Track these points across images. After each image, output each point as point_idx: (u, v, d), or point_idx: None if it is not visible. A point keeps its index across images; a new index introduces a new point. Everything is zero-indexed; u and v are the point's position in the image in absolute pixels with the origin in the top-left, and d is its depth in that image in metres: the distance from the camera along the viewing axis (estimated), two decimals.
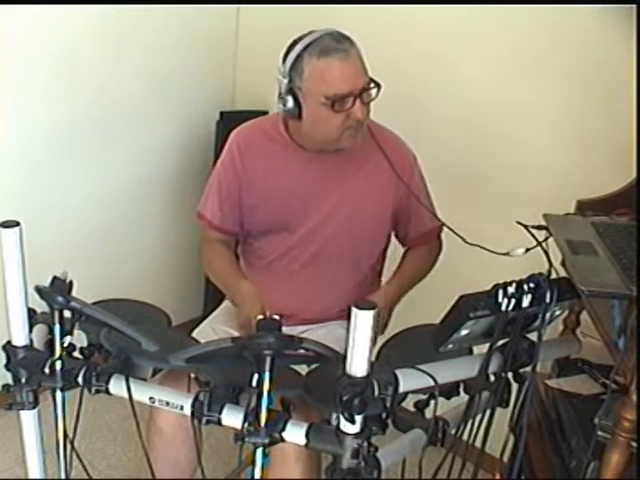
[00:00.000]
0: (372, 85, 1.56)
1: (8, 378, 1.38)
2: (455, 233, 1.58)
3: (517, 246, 1.43)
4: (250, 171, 1.73)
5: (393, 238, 1.86)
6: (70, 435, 1.40)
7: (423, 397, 1.44)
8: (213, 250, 1.81)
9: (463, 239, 1.55)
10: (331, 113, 1.54)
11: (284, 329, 1.18)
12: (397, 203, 1.75)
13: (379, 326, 1.65)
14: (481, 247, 1.49)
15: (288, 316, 1.71)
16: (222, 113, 2.51)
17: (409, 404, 1.44)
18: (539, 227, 1.43)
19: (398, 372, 1.25)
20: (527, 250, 1.40)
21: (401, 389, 1.25)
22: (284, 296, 1.75)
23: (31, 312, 1.34)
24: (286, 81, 1.56)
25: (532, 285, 1.26)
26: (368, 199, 1.72)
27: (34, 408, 1.39)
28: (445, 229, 1.74)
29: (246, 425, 1.20)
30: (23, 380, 1.35)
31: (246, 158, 1.73)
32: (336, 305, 1.77)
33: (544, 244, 1.38)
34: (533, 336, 1.34)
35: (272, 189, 1.72)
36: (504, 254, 1.44)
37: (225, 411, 1.27)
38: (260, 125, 1.77)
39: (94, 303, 1.35)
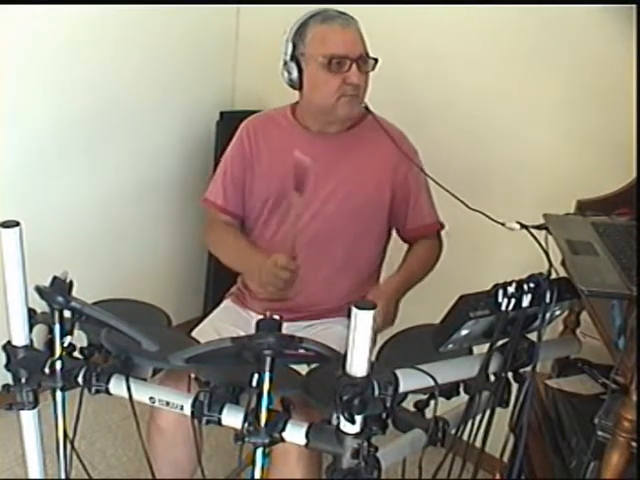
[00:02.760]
0: (370, 59, 1.66)
1: (8, 378, 1.37)
2: (457, 198, 1.58)
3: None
4: (255, 153, 1.80)
5: (393, 234, 1.87)
6: (70, 435, 1.40)
7: (423, 397, 1.44)
8: (221, 229, 1.85)
9: (465, 204, 1.56)
10: (328, 75, 1.64)
11: (285, 325, 1.18)
12: (395, 188, 1.78)
13: (386, 318, 1.66)
14: (482, 213, 1.50)
15: (293, 298, 1.71)
16: (222, 113, 2.51)
17: (409, 404, 1.44)
18: (539, 227, 1.43)
19: (398, 372, 1.25)
20: (522, 226, 1.41)
21: (401, 389, 1.25)
22: None
23: (31, 312, 1.34)
24: (290, 47, 1.66)
25: (532, 285, 1.26)
26: (366, 180, 1.76)
27: (34, 408, 1.39)
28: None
29: (246, 425, 1.20)
30: (23, 380, 1.35)
31: (253, 142, 1.80)
32: (334, 296, 1.78)
33: (544, 244, 1.38)
34: (533, 336, 1.34)
35: (273, 168, 1.77)
36: (501, 224, 1.44)
37: (225, 411, 1.27)
38: (269, 113, 1.88)
39: (94, 303, 1.35)
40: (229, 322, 1.77)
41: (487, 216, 1.48)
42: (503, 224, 1.44)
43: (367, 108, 1.75)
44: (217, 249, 1.88)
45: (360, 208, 1.77)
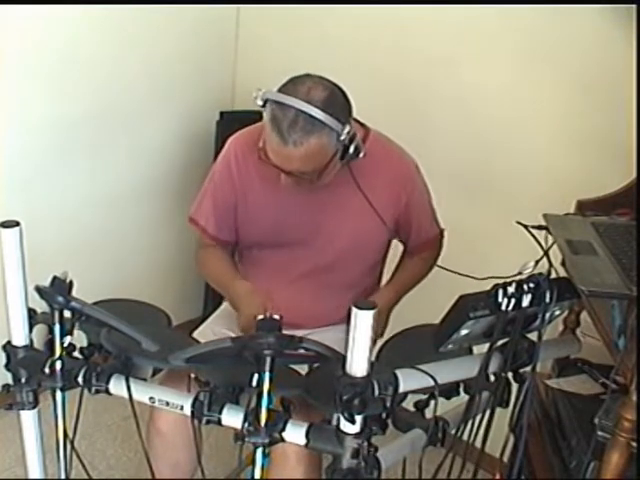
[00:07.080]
0: (308, 175, 1.54)
1: (8, 378, 1.38)
2: (464, 275, 1.54)
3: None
4: (246, 181, 1.70)
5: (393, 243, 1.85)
6: (70, 435, 1.40)
7: (423, 397, 1.44)
8: (208, 252, 1.79)
9: (474, 277, 1.48)
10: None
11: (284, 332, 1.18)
12: (398, 216, 1.72)
13: (377, 330, 1.64)
14: (493, 277, 1.38)
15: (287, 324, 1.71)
16: (222, 113, 2.51)
17: (409, 404, 1.44)
18: (539, 227, 1.43)
19: (398, 372, 1.25)
20: (537, 262, 1.35)
21: (401, 389, 1.25)
22: (283, 304, 1.74)
23: (31, 312, 1.34)
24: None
25: (532, 285, 1.26)
26: (368, 214, 1.67)
27: (34, 408, 1.39)
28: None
29: (246, 425, 1.21)
30: (23, 380, 1.35)
31: (242, 167, 1.69)
32: (335, 314, 1.75)
33: (544, 245, 1.38)
34: (533, 336, 1.34)
35: (267, 201, 1.70)
36: (517, 275, 1.35)
37: (225, 411, 1.27)
38: (257, 135, 1.67)
39: (94, 303, 1.35)
40: (228, 326, 1.75)
41: (499, 277, 1.37)
42: (520, 273, 1.34)
43: (365, 126, 1.67)
44: (203, 271, 1.83)
45: (363, 243, 1.72)
